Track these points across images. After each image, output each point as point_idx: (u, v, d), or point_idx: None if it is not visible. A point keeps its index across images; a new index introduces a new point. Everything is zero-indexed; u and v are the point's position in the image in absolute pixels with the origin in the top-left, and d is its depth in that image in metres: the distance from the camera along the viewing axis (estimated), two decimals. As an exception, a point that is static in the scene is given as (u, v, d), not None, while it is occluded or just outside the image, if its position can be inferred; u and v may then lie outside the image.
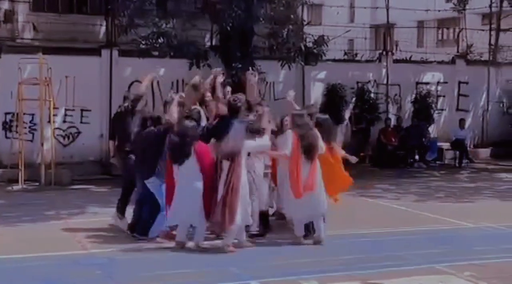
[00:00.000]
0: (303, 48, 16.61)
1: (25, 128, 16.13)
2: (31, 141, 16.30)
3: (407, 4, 24.44)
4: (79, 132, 17.30)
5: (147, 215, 9.57)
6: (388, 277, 7.72)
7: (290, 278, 7.64)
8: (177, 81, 17.38)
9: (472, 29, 24.18)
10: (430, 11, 26.95)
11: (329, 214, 9.58)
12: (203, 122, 9.68)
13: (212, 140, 9.34)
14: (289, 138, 9.35)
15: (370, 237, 9.87)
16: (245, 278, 7.76)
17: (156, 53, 16.37)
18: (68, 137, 17.23)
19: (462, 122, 20.85)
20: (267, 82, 18.17)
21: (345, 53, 22.77)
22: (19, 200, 13.43)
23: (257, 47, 17.19)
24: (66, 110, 17.07)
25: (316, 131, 9.33)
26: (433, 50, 27.76)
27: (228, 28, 15.79)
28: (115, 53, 17.54)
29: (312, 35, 17.21)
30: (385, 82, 20.59)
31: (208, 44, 18.41)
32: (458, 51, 23.12)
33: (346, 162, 10.09)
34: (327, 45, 17.02)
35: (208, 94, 10.01)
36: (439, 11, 26.74)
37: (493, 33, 23.28)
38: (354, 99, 19.80)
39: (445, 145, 20.72)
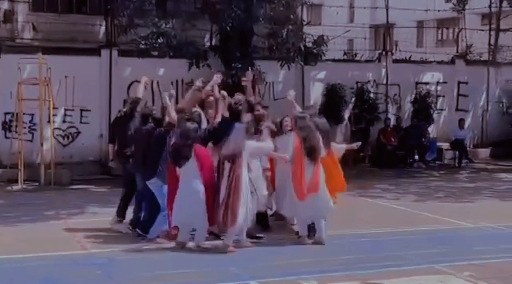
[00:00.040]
0: (302, 48, 16.63)
1: (25, 128, 16.13)
2: (31, 141, 16.30)
3: (406, 4, 24.43)
4: (78, 132, 17.30)
5: (147, 215, 9.59)
6: (387, 277, 7.72)
7: (290, 278, 7.64)
8: (177, 81, 17.37)
9: (471, 29, 24.19)
10: (429, 11, 26.92)
11: (329, 214, 9.58)
12: (204, 125, 9.69)
13: (210, 144, 9.36)
14: (290, 141, 9.36)
15: (369, 237, 9.87)
16: (245, 278, 7.76)
17: (155, 53, 16.39)
18: (68, 137, 17.22)
19: (461, 122, 20.86)
20: (266, 82, 18.18)
21: (345, 53, 22.78)
22: (19, 200, 13.43)
23: (257, 47, 17.21)
24: (65, 110, 17.07)
25: (317, 133, 9.33)
26: (433, 50, 27.76)
27: (228, 28, 15.80)
28: (115, 53, 17.54)
29: (312, 35, 17.22)
30: (384, 82, 20.59)
31: (208, 44, 18.40)
32: (457, 51, 23.12)
33: (345, 162, 10.10)
34: (326, 45, 17.04)
35: (211, 97, 10.05)
36: (438, 11, 26.72)
37: (492, 33, 23.28)
38: (353, 99, 19.79)
39: (445, 145, 20.72)
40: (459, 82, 21.76)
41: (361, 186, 14.74)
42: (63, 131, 17.13)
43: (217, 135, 9.29)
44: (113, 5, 17.73)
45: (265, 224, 10.05)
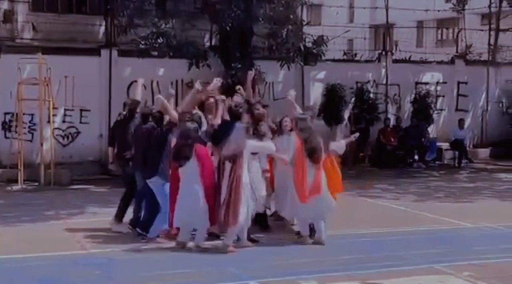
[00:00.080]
0: (302, 48, 16.63)
1: (25, 128, 16.12)
2: (31, 141, 16.30)
3: (406, 4, 24.42)
4: (78, 132, 17.30)
5: (147, 215, 9.60)
6: (387, 277, 7.73)
7: (290, 278, 7.65)
8: (177, 81, 17.36)
9: (471, 29, 24.19)
10: (429, 11, 26.92)
11: (328, 214, 9.59)
12: (204, 127, 9.70)
13: (209, 144, 9.37)
14: (291, 141, 9.37)
15: (369, 237, 9.88)
16: (244, 278, 7.77)
17: (155, 53, 16.38)
18: (68, 137, 17.22)
19: (461, 122, 20.86)
20: (266, 82, 18.18)
21: (345, 53, 22.78)
22: (19, 200, 13.43)
23: (257, 47, 17.21)
24: (65, 110, 17.06)
25: (318, 135, 9.32)
26: (433, 50, 27.74)
27: (228, 28, 15.81)
28: (115, 53, 17.53)
29: (312, 35, 17.22)
30: (384, 82, 20.59)
31: (208, 44, 18.40)
32: (457, 51, 23.12)
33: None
34: (326, 45, 17.04)
35: (212, 99, 10.06)
36: (438, 11, 26.72)
37: (492, 33, 23.28)
38: (353, 99, 19.77)
39: (445, 145, 20.72)
40: (458, 82, 21.76)
41: (361, 186, 14.76)
42: (63, 131, 17.13)
43: (218, 135, 9.30)
44: (113, 5, 17.73)
45: (265, 224, 10.06)
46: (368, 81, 20.45)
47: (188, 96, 9.86)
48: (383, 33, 23.62)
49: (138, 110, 10.30)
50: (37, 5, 20.31)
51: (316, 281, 7.58)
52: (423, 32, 34.04)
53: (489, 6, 23.19)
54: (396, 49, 23.70)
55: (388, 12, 21.57)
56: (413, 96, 20.96)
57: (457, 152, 20.37)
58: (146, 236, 9.43)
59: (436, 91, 21.33)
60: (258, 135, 9.11)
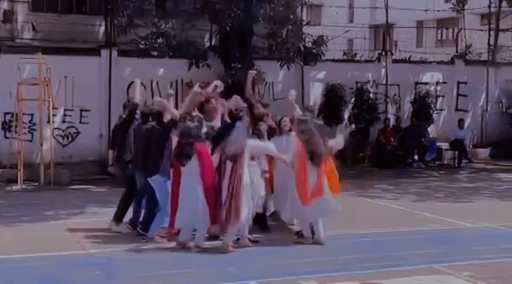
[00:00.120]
0: (302, 48, 16.63)
1: (25, 128, 16.13)
2: (30, 141, 16.30)
3: (406, 4, 24.44)
4: (78, 132, 17.30)
5: (147, 214, 9.60)
6: (387, 277, 7.73)
7: (290, 278, 7.65)
8: (176, 81, 17.37)
9: (471, 29, 24.20)
10: (429, 11, 26.92)
11: (334, 215, 9.57)
12: (204, 129, 9.69)
13: (209, 145, 9.37)
14: (290, 142, 9.36)
15: (369, 237, 9.88)
16: (244, 278, 7.77)
17: (155, 53, 16.39)
18: (67, 137, 17.23)
19: (461, 122, 20.86)
20: (266, 82, 18.18)
21: (344, 53, 22.80)
22: (18, 200, 13.43)
23: (257, 47, 17.20)
24: (65, 110, 17.07)
25: (319, 137, 9.30)
26: (432, 50, 27.72)
27: (228, 28, 15.81)
28: (115, 53, 17.54)
29: (312, 35, 17.22)
30: (384, 82, 20.60)
31: (208, 44, 18.40)
32: (457, 51, 23.12)
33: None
34: (326, 45, 17.04)
35: (213, 100, 10.06)
36: (438, 11, 26.72)
37: (492, 33, 23.29)
38: (353, 99, 19.78)
39: (444, 145, 20.72)
40: (458, 82, 21.77)
41: (360, 186, 14.75)
42: (63, 131, 17.14)
43: (218, 135, 9.30)
44: (112, 5, 17.73)
45: (264, 225, 10.06)
46: (368, 81, 20.45)
47: (187, 98, 9.85)
48: (383, 33, 23.61)
49: (138, 111, 10.29)
50: (37, 5, 20.33)
51: (316, 281, 7.58)
52: (423, 32, 34.04)
53: (489, 6, 23.21)
54: (396, 49, 23.69)
55: (388, 12, 21.58)
56: (413, 96, 20.96)
57: (457, 152, 20.37)
58: (146, 236, 9.43)
59: (436, 91, 21.34)
60: (258, 135, 9.11)
